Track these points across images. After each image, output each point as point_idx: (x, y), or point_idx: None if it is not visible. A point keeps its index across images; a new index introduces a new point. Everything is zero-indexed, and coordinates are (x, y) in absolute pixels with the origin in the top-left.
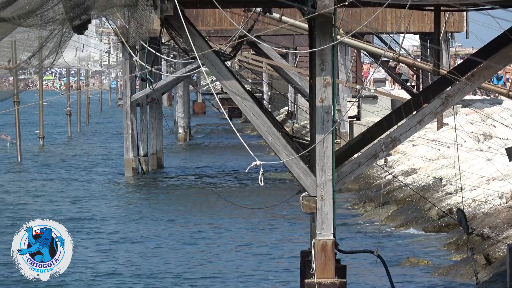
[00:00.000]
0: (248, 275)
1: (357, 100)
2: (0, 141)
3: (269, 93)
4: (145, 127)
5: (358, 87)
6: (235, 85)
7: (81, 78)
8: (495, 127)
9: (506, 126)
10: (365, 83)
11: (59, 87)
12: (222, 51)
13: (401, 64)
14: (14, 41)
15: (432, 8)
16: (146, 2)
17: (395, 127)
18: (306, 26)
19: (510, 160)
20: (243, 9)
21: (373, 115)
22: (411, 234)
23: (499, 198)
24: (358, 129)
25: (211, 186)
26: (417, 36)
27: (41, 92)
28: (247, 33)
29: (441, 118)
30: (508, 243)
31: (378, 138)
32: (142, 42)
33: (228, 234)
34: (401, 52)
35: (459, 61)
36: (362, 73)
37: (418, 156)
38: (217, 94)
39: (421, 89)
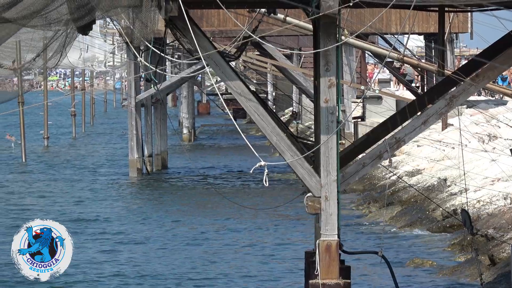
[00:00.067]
0: (252, 275)
1: (361, 101)
2: (4, 142)
3: (274, 93)
4: (150, 127)
5: (362, 87)
6: (239, 86)
7: (85, 78)
8: (499, 127)
9: (511, 127)
10: (369, 83)
11: (63, 87)
12: (227, 52)
13: (406, 64)
14: (19, 41)
15: (437, 8)
16: (151, 3)
17: (399, 127)
18: (310, 26)
19: None
20: (247, 9)
21: (377, 115)
22: (415, 234)
23: (503, 199)
24: (363, 130)
25: (216, 186)
26: (422, 37)
27: (46, 93)
28: (251, 34)
29: (445, 119)
30: None
31: (383, 139)
32: (146, 43)
33: (232, 235)
34: (405, 52)
35: (463, 62)
36: (367, 74)
37: (422, 157)
38: (221, 94)
39: (425, 90)
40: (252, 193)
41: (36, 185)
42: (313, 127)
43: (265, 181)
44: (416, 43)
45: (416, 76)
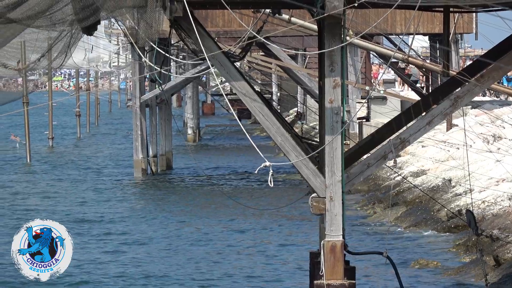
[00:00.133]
0: (257, 276)
1: (366, 101)
2: (9, 142)
3: (278, 94)
4: (155, 128)
5: (367, 88)
6: (244, 86)
7: (90, 79)
8: (504, 128)
9: None
10: (374, 84)
11: (68, 87)
12: (231, 52)
13: (410, 65)
14: (24, 42)
15: (442, 9)
16: (156, 3)
17: (404, 128)
18: (315, 27)
19: None
20: (252, 10)
21: (382, 116)
22: (420, 235)
23: (508, 200)
24: (368, 130)
25: (220, 187)
26: (427, 37)
27: (51, 93)
28: (256, 34)
29: (450, 119)
30: None
31: (388, 139)
32: (151, 43)
33: (237, 235)
34: (410, 53)
35: (468, 62)
36: (372, 74)
37: (427, 157)
38: (226, 95)
39: (430, 90)
40: (256, 193)
41: (41, 185)
42: (317, 127)
43: (270, 181)
44: (421, 43)
45: (421, 77)
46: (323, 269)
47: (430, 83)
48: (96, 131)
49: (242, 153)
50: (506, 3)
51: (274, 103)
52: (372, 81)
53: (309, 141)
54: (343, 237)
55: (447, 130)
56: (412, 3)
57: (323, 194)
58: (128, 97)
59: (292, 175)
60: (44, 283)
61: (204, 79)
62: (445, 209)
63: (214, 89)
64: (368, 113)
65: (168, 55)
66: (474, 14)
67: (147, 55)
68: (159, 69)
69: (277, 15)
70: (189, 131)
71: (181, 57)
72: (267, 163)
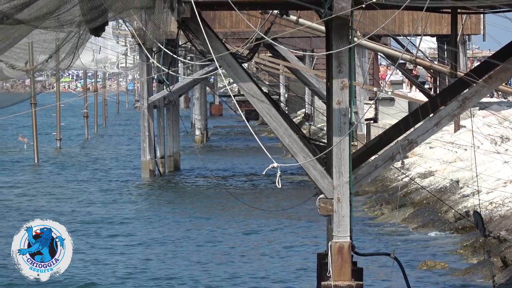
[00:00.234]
0: (264, 277)
1: (374, 102)
2: (17, 143)
3: (286, 95)
4: (162, 129)
5: (375, 89)
6: (252, 87)
7: (98, 80)
8: None
9: None
10: (382, 85)
11: (76, 88)
12: (239, 53)
13: (418, 66)
14: (31, 43)
15: (449, 10)
16: (163, 4)
17: (412, 129)
18: (323, 28)
19: None
20: (260, 11)
21: (390, 117)
22: (428, 236)
23: None
24: (375, 131)
25: (228, 188)
26: (434, 39)
27: (58, 94)
28: (264, 35)
29: (458, 121)
30: None
31: (395, 141)
32: (159, 44)
33: (244, 236)
34: (418, 54)
35: (476, 64)
36: (379, 75)
37: (435, 159)
38: (234, 96)
39: (438, 92)
40: (264, 194)
41: (48, 186)
42: (325, 128)
43: (278, 182)
44: (428, 44)
45: (428, 78)
46: (331, 270)
47: (437, 84)
48: (103, 132)
49: (250, 154)
50: None
51: (282, 104)
52: (380, 82)
53: (317, 142)
54: (351, 238)
55: (454, 132)
56: (419, 4)
57: (331, 195)
58: (135, 98)
59: (300, 176)
60: (54, 284)
61: (211, 80)
62: (453, 210)
63: (221, 90)
64: (376, 114)
65: (175, 56)
66: (481, 15)
67: (155, 56)
68: (166, 70)
69: (284, 16)
70: (197, 132)
71: (188, 58)
72: (275, 164)
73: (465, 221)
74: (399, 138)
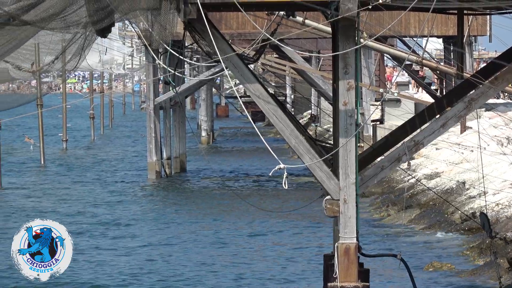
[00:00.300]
0: (271, 278)
1: (380, 104)
2: (23, 144)
3: (292, 96)
4: (168, 130)
5: (381, 90)
6: (258, 89)
7: (104, 81)
8: None
9: None
10: (388, 86)
11: (82, 90)
12: (245, 55)
13: (425, 67)
14: (38, 44)
15: (456, 11)
16: (170, 6)
17: (418, 130)
18: (329, 29)
19: None
20: (266, 12)
21: (396, 118)
22: (434, 237)
23: None
24: (382, 133)
25: (234, 189)
26: (441, 40)
27: (65, 95)
28: (270, 37)
29: (464, 122)
30: None
31: (402, 142)
32: (165, 45)
33: (250, 237)
34: (424, 55)
35: (482, 65)
36: (386, 77)
37: (441, 160)
38: (240, 97)
39: (444, 93)
40: (270, 196)
41: (55, 187)
42: (331, 130)
43: (285, 183)
44: (435, 45)
45: (435, 79)
46: (337, 271)
47: (444, 85)
48: (110, 133)
49: (256, 155)
50: None
51: (288, 106)
52: (386, 84)
53: (323, 144)
54: (357, 240)
55: (461, 133)
56: (426, 5)
57: (337, 197)
58: (142, 99)
59: (306, 177)
60: (61, 287)
61: (218, 81)
62: (459, 212)
63: (228, 91)
64: (382, 115)
65: (182, 57)
66: (488, 16)
67: (161, 57)
68: (173, 71)
69: (291, 17)
70: (203, 134)
71: (195, 59)
72: (281, 166)
73: (471, 223)
74: (406, 139)
